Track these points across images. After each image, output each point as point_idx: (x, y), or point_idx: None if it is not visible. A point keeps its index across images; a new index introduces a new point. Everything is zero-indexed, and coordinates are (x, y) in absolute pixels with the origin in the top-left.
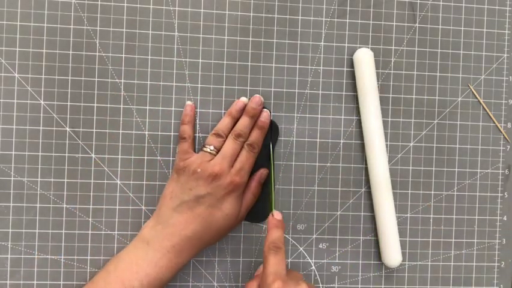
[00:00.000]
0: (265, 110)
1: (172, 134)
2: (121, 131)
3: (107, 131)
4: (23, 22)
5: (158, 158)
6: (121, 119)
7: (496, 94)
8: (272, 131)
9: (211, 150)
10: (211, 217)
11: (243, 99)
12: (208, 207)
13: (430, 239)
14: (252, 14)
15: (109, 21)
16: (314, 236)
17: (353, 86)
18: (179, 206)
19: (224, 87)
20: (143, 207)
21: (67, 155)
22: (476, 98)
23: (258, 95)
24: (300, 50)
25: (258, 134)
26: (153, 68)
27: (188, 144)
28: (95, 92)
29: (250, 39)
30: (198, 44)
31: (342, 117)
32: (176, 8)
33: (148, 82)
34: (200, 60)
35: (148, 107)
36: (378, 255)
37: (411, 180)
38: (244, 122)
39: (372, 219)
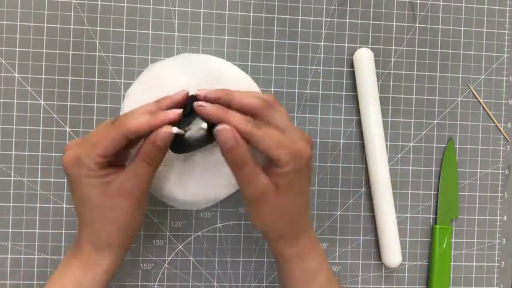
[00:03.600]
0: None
1: None
2: None
3: None
4: (23, 22)
5: None
6: None
7: (496, 94)
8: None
9: None
10: None
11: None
12: None
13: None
14: (252, 14)
15: (109, 21)
16: None
17: (353, 86)
18: None
19: None
20: None
21: None
22: (476, 98)
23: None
24: (300, 50)
25: None
26: None
27: None
28: (95, 92)
29: (250, 39)
30: (198, 44)
31: (342, 117)
32: (176, 8)
33: None
34: None
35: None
36: (378, 255)
37: (411, 180)
38: None
39: (372, 219)
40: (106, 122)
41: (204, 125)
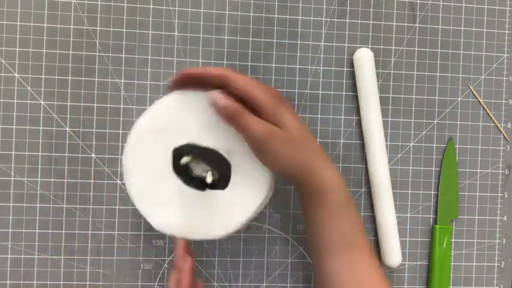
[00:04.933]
0: None
1: None
2: (121, 131)
3: (107, 131)
4: (23, 22)
5: None
6: (121, 119)
7: (496, 94)
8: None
9: None
10: None
11: None
12: None
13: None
14: (252, 14)
15: (109, 21)
16: None
17: (353, 86)
18: None
19: None
20: None
21: (66, 155)
22: (476, 98)
23: None
24: (300, 50)
25: None
26: (153, 68)
27: None
28: (95, 92)
29: (250, 39)
30: (198, 44)
31: (342, 117)
32: (176, 8)
33: (148, 82)
34: (200, 60)
35: (148, 107)
36: (378, 255)
37: (411, 180)
38: None
39: (372, 219)
40: None
41: (209, 176)
